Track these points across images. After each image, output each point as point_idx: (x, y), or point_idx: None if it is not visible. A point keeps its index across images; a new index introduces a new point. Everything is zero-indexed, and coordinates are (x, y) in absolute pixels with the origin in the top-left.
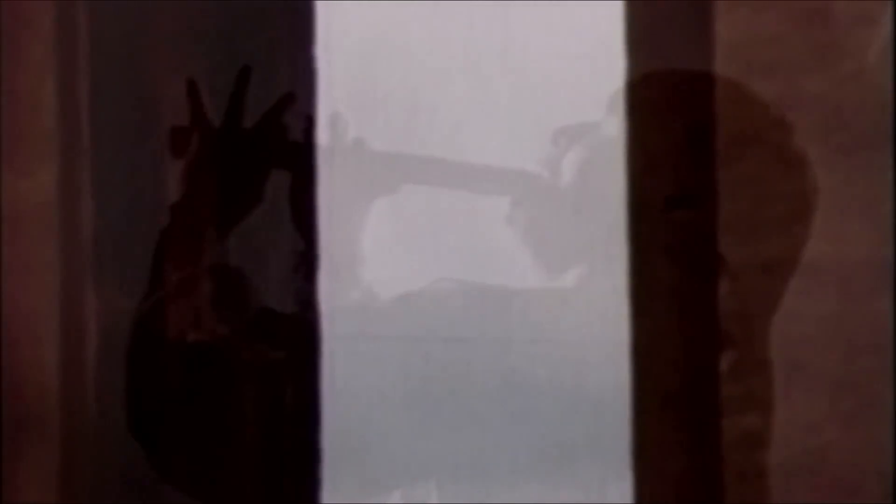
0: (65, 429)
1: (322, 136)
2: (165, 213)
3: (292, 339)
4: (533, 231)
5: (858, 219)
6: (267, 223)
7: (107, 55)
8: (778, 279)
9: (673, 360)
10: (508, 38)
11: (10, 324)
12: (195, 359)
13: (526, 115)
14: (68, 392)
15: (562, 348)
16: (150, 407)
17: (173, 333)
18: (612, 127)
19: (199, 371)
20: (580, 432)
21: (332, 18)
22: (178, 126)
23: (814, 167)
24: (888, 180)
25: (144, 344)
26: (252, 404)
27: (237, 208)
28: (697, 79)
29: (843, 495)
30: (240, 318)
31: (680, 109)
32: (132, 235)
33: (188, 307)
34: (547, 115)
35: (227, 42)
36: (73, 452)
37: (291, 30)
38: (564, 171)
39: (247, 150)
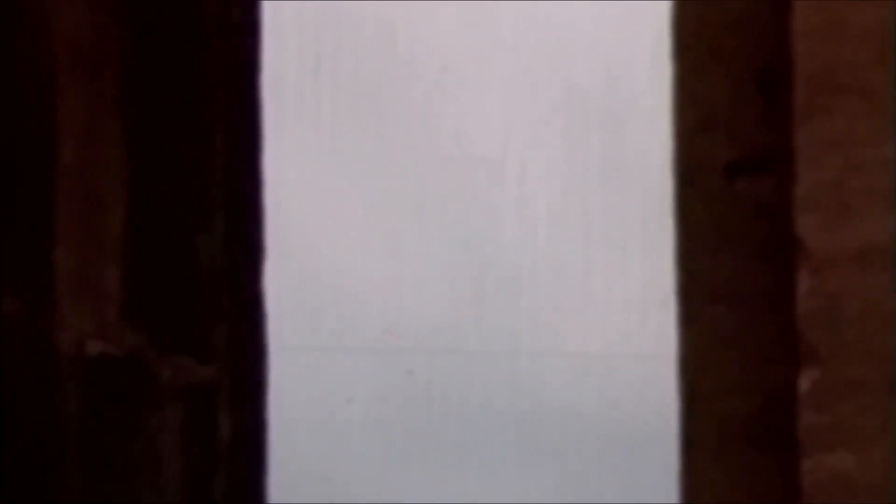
0: None
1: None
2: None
3: (228, 351)
4: (550, 216)
5: None
6: (195, 196)
7: None
8: (875, 273)
9: (735, 378)
10: None
11: None
12: (98, 377)
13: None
14: None
15: (585, 363)
16: (39, 440)
17: (68, 343)
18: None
19: (102, 393)
20: (611, 471)
21: None
22: None
23: None
24: None
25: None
26: (174, 437)
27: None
28: (769, 8)
29: None
30: (156, 322)
31: (745, 48)
32: (20, 209)
33: (88, 309)
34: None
35: None
36: None
37: None
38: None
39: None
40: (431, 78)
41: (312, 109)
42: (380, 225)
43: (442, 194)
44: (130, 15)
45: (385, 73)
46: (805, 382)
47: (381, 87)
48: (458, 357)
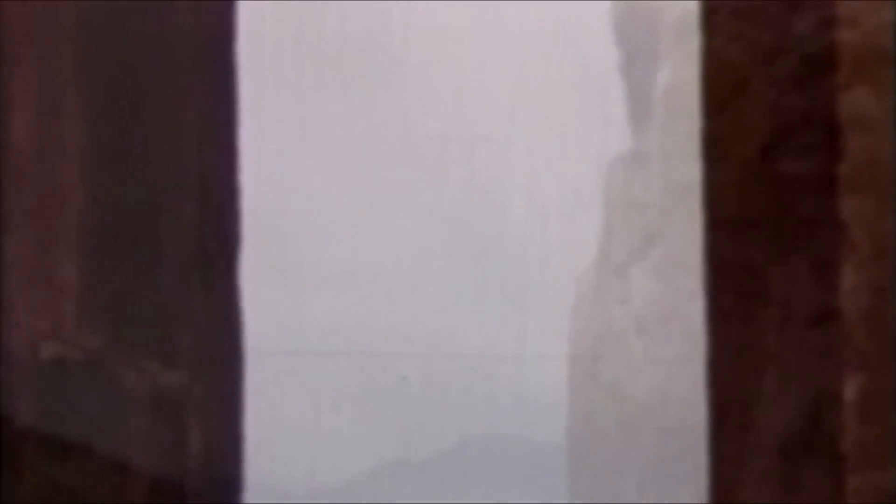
0: None
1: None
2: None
3: (199, 355)
4: (562, 204)
5: None
6: (163, 180)
7: None
8: None
9: (770, 385)
10: None
11: None
12: (54, 383)
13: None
14: None
15: (597, 366)
16: None
17: (21, 345)
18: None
19: (59, 401)
20: (631, 488)
21: None
22: None
23: None
24: None
25: None
26: (139, 449)
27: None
28: None
29: None
30: (119, 322)
31: (780, 11)
32: None
33: (42, 306)
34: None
35: None
36: None
37: None
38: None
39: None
40: (428, 46)
41: (294, 82)
42: (370, 213)
43: (439, 177)
44: None
45: (376, 40)
46: (851, 390)
47: (371, 57)
48: (456, 361)
